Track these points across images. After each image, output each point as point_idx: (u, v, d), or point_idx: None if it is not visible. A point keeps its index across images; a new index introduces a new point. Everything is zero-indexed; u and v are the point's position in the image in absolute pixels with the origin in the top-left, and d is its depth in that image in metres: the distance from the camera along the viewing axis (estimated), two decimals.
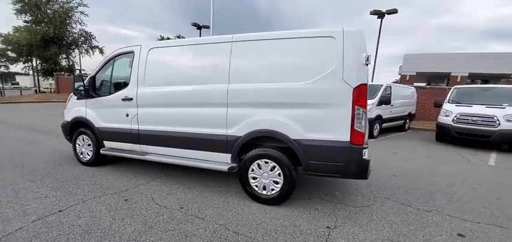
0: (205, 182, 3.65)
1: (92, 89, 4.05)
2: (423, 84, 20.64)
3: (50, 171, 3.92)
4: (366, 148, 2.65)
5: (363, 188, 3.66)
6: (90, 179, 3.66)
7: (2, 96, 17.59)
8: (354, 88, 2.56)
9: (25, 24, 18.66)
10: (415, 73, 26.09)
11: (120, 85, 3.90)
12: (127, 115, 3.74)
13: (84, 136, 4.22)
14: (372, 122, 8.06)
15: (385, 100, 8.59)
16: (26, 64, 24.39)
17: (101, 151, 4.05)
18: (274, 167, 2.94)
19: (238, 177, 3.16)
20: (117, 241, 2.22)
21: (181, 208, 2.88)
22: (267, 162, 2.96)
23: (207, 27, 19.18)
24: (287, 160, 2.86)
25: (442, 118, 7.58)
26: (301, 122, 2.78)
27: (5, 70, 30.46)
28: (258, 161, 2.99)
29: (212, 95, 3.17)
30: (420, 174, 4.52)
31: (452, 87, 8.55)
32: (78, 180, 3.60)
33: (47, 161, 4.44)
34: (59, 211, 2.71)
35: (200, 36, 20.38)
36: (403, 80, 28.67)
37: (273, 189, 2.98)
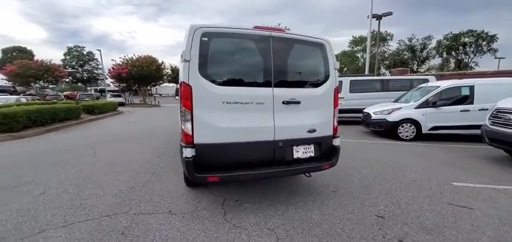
0: None
1: None
2: None
3: (165, 151, 6.11)
4: (189, 147, 2.52)
5: (283, 205, 2.56)
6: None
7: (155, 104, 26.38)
8: None
9: None
10: None
11: None
12: None
13: None
14: None
15: None
16: None
17: None
18: None
19: None
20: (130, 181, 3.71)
21: (155, 170, 4.08)
22: None
23: (389, 13, 17.71)
24: None
25: None
26: None
27: None
28: None
29: None
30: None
31: None
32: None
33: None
34: (119, 173, 4.90)
35: (379, 27, 19.55)
36: None
37: None
